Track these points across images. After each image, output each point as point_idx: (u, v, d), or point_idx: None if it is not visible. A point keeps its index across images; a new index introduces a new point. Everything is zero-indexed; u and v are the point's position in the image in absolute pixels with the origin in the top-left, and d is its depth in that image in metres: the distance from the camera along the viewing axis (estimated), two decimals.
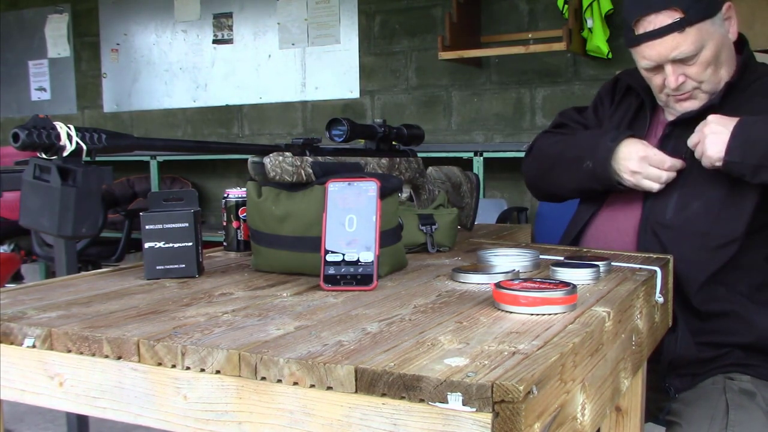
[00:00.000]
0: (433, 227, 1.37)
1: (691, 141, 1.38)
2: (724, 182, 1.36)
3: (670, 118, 1.50)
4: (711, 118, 1.35)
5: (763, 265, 1.41)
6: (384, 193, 1.11)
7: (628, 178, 1.43)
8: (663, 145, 1.46)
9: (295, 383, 0.70)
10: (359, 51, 4.39)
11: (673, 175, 1.41)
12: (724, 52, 1.41)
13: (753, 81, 1.45)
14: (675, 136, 1.46)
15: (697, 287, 1.37)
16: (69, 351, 0.82)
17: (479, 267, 1.13)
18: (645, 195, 1.45)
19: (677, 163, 1.41)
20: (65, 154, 0.97)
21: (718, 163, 1.32)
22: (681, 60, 1.38)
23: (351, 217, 1.04)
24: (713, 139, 1.32)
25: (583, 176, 1.49)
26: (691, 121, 1.43)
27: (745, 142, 1.28)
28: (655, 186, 1.41)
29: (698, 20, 1.36)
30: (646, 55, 1.40)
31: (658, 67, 1.41)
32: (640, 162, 1.40)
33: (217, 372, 0.74)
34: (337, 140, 1.26)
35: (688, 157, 1.40)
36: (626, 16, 1.41)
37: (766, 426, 1.29)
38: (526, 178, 1.71)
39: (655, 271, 1.18)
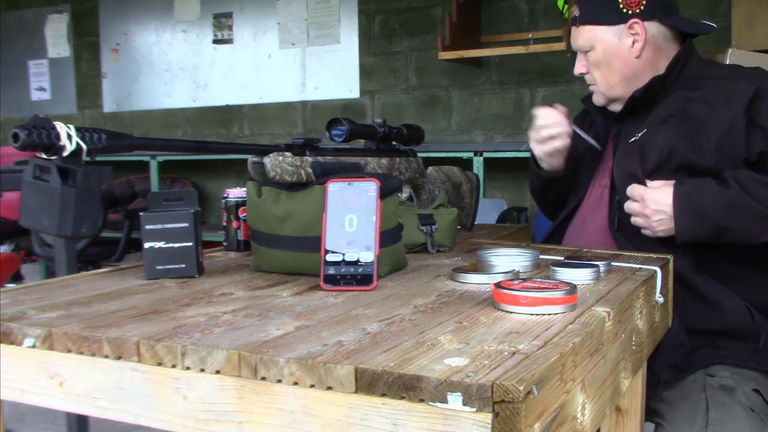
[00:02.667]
0: (433, 227, 1.37)
1: (629, 208, 1.43)
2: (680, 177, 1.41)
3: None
4: (645, 192, 1.39)
5: (732, 250, 1.41)
6: (384, 193, 1.11)
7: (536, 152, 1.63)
8: (615, 144, 1.57)
9: (295, 383, 0.70)
10: (359, 51, 4.39)
11: (547, 121, 1.57)
12: (617, 63, 1.51)
13: (684, 81, 1.50)
14: (623, 132, 1.55)
15: (685, 270, 1.39)
16: (69, 351, 0.82)
17: (479, 267, 1.13)
18: (610, 196, 1.52)
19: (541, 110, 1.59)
20: (65, 154, 0.97)
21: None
22: (582, 53, 1.55)
23: (351, 217, 1.04)
24: (658, 220, 1.38)
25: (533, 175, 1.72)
26: (633, 118, 1.53)
27: (692, 220, 1.34)
28: (544, 143, 1.59)
29: (588, 22, 1.52)
30: (573, 41, 1.58)
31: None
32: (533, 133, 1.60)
33: (217, 372, 0.74)
34: (337, 140, 1.26)
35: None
36: None
37: (745, 422, 1.29)
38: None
39: (655, 271, 1.18)
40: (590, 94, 1.65)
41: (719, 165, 1.37)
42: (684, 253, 1.38)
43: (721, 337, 1.38)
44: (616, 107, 1.56)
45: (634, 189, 1.41)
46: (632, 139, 1.49)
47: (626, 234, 1.46)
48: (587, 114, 1.71)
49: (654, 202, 1.37)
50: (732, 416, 1.29)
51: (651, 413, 1.46)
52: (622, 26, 1.49)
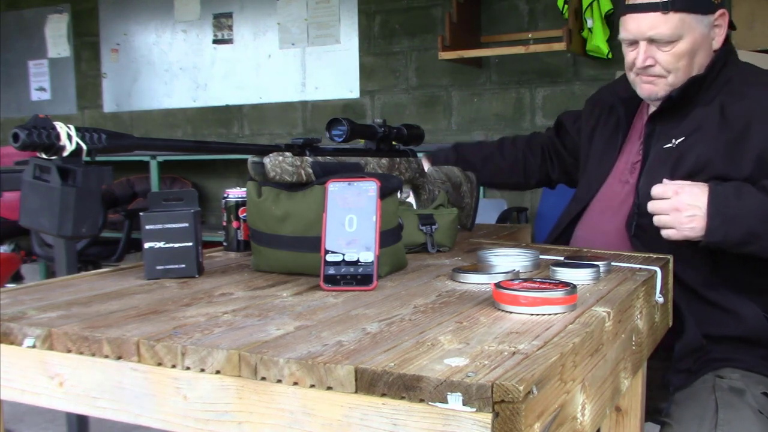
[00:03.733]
0: (433, 227, 1.37)
1: (655, 207, 1.34)
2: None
3: (652, 110, 1.53)
4: (682, 186, 1.33)
5: (749, 259, 1.39)
6: (384, 193, 1.11)
7: None
8: (646, 146, 1.49)
9: (295, 383, 0.70)
10: (359, 51, 4.39)
11: None
12: (701, 53, 1.43)
13: (723, 83, 1.44)
14: (656, 133, 1.49)
15: (701, 279, 1.38)
16: (69, 351, 0.82)
17: (479, 267, 1.13)
18: (635, 196, 1.46)
19: None
20: (65, 154, 0.97)
21: (696, 239, 1.32)
22: (656, 42, 1.41)
23: (351, 217, 1.04)
24: (690, 216, 1.30)
25: None
26: (666, 118, 1.47)
27: (724, 222, 1.28)
28: None
29: (683, 9, 1.39)
30: (628, 27, 1.44)
31: (635, 43, 1.44)
32: None
33: (217, 372, 0.74)
34: (337, 140, 1.26)
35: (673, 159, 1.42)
36: None
37: (755, 424, 1.29)
38: None
39: (655, 271, 1.18)
40: (598, 95, 1.61)
41: (755, 176, 1.33)
42: (701, 262, 1.37)
43: (735, 342, 1.38)
44: (655, 105, 1.50)
45: (666, 185, 1.34)
46: (667, 146, 1.44)
47: (643, 239, 1.42)
48: (591, 113, 1.68)
49: (690, 195, 1.31)
50: (741, 417, 1.29)
51: (654, 412, 1.46)
52: (712, 17, 1.42)
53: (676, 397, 1.39)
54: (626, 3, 1.43)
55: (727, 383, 1.36)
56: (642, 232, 1.42)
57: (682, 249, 1.35)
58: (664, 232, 1.34)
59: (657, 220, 1.35)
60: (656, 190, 1.34)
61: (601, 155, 1.60)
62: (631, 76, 1.50)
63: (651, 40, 1.41)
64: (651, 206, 1.35)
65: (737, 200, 1.29)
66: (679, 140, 1.42)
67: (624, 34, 1.45)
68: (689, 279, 1.37)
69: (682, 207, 1.31)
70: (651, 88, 1.47)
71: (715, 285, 1.39)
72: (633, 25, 1.42)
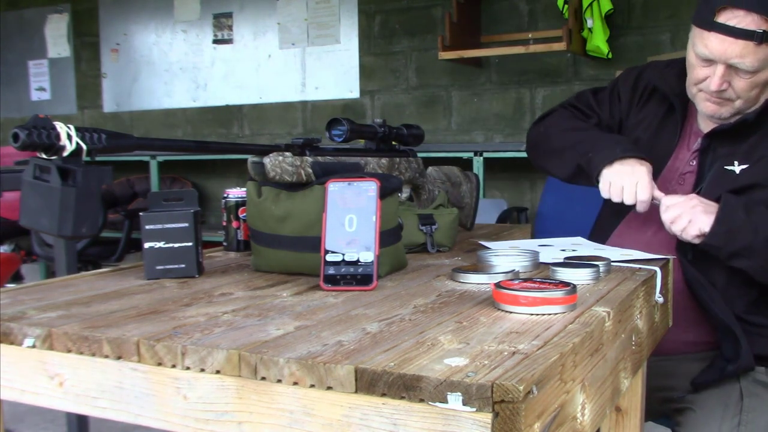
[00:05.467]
0: (433, 227, 1.37)
1: (668, 216, 1.34)
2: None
3: (704, 127, 1.46)
4: (695, 199, 1.33)
5: None
6: (384, 193, 1.11)
7: (602, 185, 1.41)
8: (701, 161, 1.43)
9: (295, 383, 0.70)
10: (359, 51, 4.39)
11: (642, 206, 1.38)
12: None
13: None
14: (712, 149, 1.43)
15: (746, 302, 1.38)
16: (69, 351, 0.82)
17: (479, 267, 1.13)
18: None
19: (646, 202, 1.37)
20: (65, 154, 0.97)
21: (695, 240, 1.32)
22: (736, 68, 1.33)
23: (351, 217, 1.04)
24: (698, 218, 1.31)
25: (576, 167, 1.49)
26: (727, 135, 1.40)
27: (729, 230, 1.29)
28: (623, 198, 1.39)
29: None
30: (710, 45, 1.33)
31: (710, 61, 1.35)
32: (626, 176, 1.39)
33: (217, 372, 0.74)
34: (337, 140, 1.26)
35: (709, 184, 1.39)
36: None
37: None
38: (528, 143, 1.68)
39: (655, 271, 1.18)
40: (658, 66, 1.53)
41: None
42: (747, 291, 1.37)
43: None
44: (715, 122, 1.44)
45: (680, 196, 1.33)
46: (728, 167, 1.39)
47: (700, 266, 1.37)
48: (638, 89, 1.57)
49: (703, 210, 1.31)
50: (766, 405, 1.30)
51: (655, 413, 1.46)
52: None
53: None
54: (716, 20, 1.31)
55: (752, 375, 1.37)
56: (699, 254, 1.37)
57: (734, 277, 1.35)
58: (677, 226, 1.32)
59: (669, 217, 1.33)
60: (671, 200, 1.34)
61: (648, 151, 1.48)
62: (693, 91, 1.43)
63: (731, 65, 1.33)
64: (666, 216, 1.34)
65: (746, 214, 1.29)
66: (741, 166, 1.38)
67: (702, 51, 1.35)
68: (738, 305, 1.37)
69: (697, 204, 1.31)
70: (716, 109, 1.40)
71: (761, 309, 1.39)
72: (718, 46, 1.32)
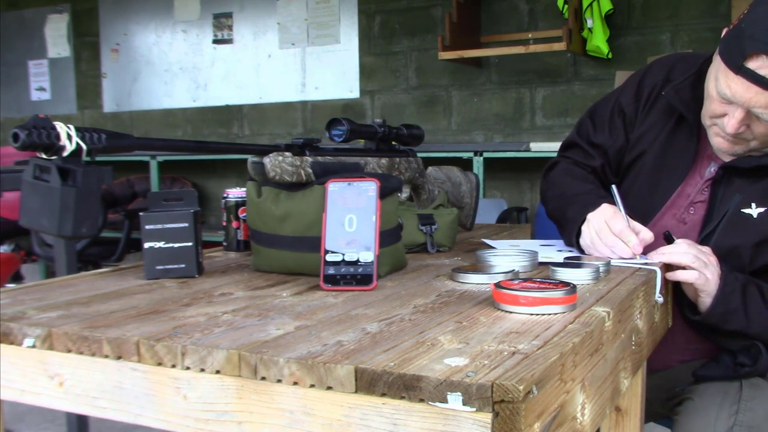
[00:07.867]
0: (433, 227, 1.37)
1: (682, 268, 1.28)
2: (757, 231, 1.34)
3: (724, 157, 1.39)
4: (706, 249, 1.30)
5: None
6: (384, 193, 1.11)
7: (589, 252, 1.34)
8: (713, 191, 1.38)
9: (295, 383, 0.70)
10: (359, 51, 4.39)
11: (629, 246, 1.27)
12: None
13: None
14: (725, 182, 1.37)
15: None
16: (69, 351, 0.82)
17: (479, 267, 1.13)
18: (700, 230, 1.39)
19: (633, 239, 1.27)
20: (65, 154, 0.97)
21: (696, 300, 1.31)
22: (758, 116, 1.26)
23: (351, 217, 1.04)
24: (702, 286, 1.27)
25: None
26: (743, 170, 1.36)
27: (725, 312, 1.29)
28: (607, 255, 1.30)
29: None
30: (734, 88, 1.24)
31: (731, 102, 1.28)
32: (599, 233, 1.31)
33: (217, 372, 0.74)
34: (337, 140, 1.26)
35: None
36: (749, 39, 1.21)
37: None
38: (540, 197, 1.64)
39: (655, 271, 1.18)
40: (633, 76, 1.48)
41: None
42: None
43: None
44: (729, 157, 1.38)
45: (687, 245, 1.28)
46: (746, 210, 1.35)
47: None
48: (643, 96, 1.49)
49: (711, 271, 1.27)
50: (766, 395, 1.30)
51: (655, 413, 1.46)
52: None
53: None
54: (746, 64, 1.21)
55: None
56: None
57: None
58: (683, 274, 1.27)
59: (684, 266, 1.27)
60: (680, 248, 1.28)
61: (656, 172, 1.43)
62: (707, 122, 1.36)
63: (752, 113, 1.26)
64: (677, 270, 1.28)
65: (742, 297, 1.29)
66: (759, 210, 1.34)
67: (725, 91, 1.26)
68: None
69: (708, 259, 1.28)
70: (729, 147, 1.34)
71: None
72: (743, 93, 1.23)
